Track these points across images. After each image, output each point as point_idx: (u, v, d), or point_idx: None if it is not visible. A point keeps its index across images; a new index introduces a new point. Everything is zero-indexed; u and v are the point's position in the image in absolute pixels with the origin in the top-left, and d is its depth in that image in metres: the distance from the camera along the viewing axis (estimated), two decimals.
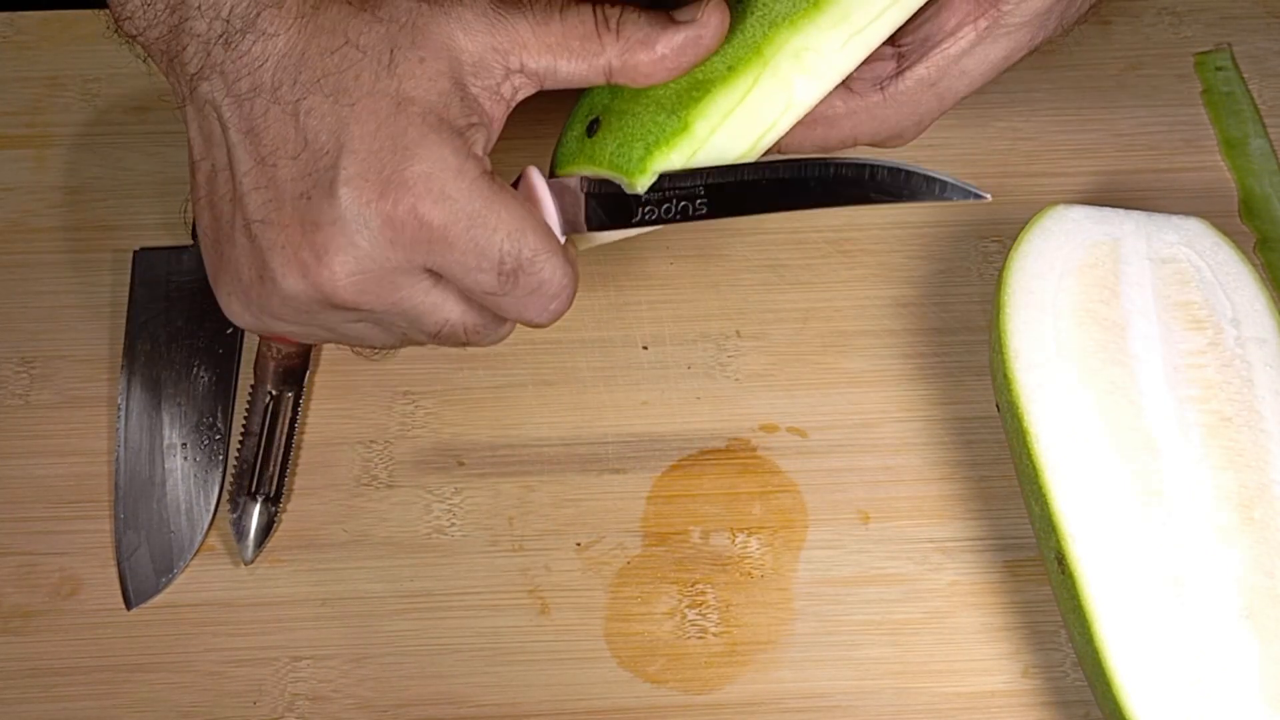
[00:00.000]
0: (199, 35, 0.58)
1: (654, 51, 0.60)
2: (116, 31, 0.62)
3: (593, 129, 0.62)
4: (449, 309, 0.60)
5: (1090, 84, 0.84)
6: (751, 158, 0.62)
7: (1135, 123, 0.83)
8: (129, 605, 0.71)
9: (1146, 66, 0.84)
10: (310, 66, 0.57)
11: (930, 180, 0.59)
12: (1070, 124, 0.82)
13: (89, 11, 0.87)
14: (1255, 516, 0.65)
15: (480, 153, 0.58)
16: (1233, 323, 0.70)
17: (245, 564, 0.71)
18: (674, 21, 0.60)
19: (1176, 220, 0.73)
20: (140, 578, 0.71)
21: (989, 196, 0.59)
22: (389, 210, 0.57)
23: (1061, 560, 0.65)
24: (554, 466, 0.74)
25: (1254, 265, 0.72)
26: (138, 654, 0.70)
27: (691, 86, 0.61)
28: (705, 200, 0.61)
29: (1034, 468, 0.66)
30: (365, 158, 0.57)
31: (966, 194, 0.59)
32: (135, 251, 0.78)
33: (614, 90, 0.62)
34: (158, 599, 0.71)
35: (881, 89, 0.65)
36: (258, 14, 0.58)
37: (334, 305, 0.59)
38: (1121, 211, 0.73)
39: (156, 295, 0.77)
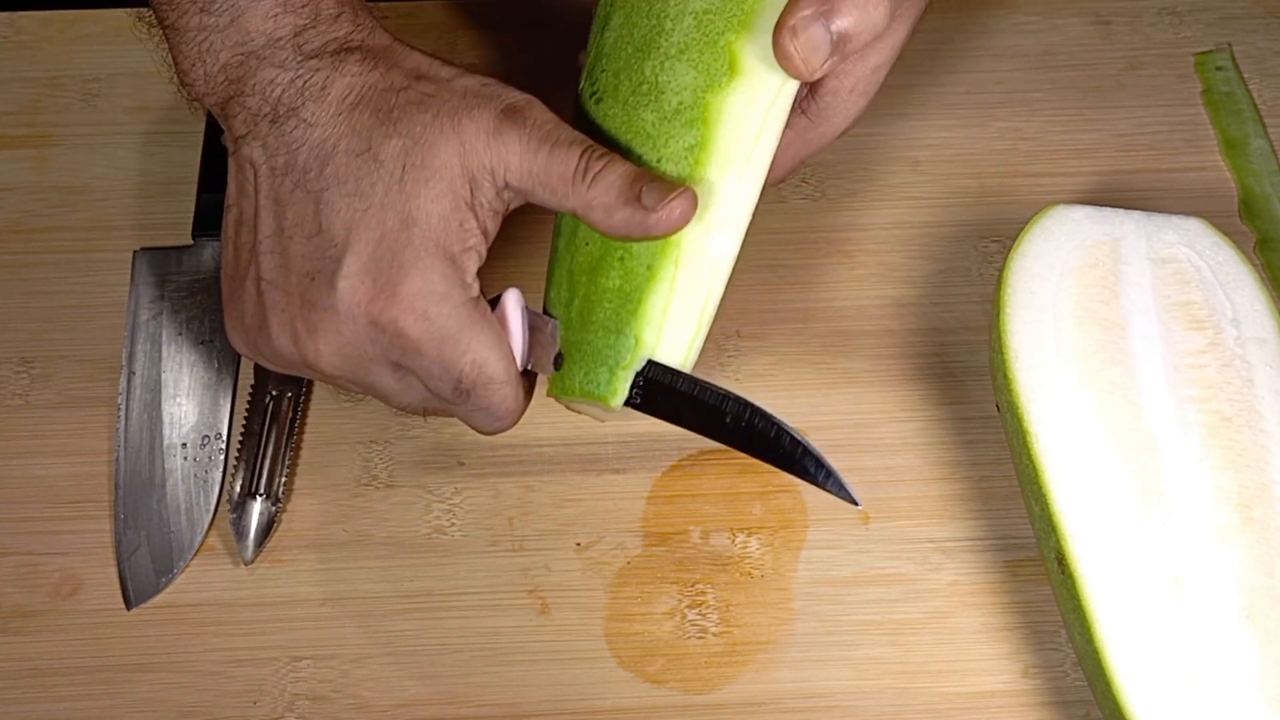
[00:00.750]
0: (250, 109, 0.65)
1: (611, 219, 0.63)
2: (179, 88, 0.68)
3: (558, 363, 0.67)
4: (412, 395, 0.66)
5: (1090, 84, 0.84)
6: (706, 326, 0.65)
7: (1135, 123, 0.83)
8: (129, 605, 0.71)
9: (1147, 66, 0.84)
10: (336, 163, 0.63)
11: (819, 465, 0.65)
12: (1070, 124, 0.82)
13: (89, 11, 0.87)
14: (1255, 516, 0.65)
15: (469, 278, 0.64)
16: (1233, 323, 0.70)
17: (245, 564, 0.71)
18: (638, 200, 0.63)
19: (1176, 220, 0.73)
20: (140, 578, 0.71)
21: (860, 504, 0.65)
22: (375, 314, 0.63)
23: (1061, 560, 0.65)
24: (554, 466, 0.73)
25: (1254, 265, 0.72)
26: (138, 654, 0.70)
27: (624, 300, 0.64)
28: (641, 391, 0.66)
29: (1034, 468, 0.66)
30: (366, 262, 0.63)
31: (843, 492, 0.64)
32: (135, 251, 0.78)
33: (565, 320, 0.66)
34: (158, 599, 0.71)
35: (804, 112, 0.69)
36: (303, 103, 0.64)
37: (314, 371, 0.66)
38: (1121, 211, 0.73)
39: (156, 295, 0.77)
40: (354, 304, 0.63)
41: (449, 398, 0.65)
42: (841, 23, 0.63)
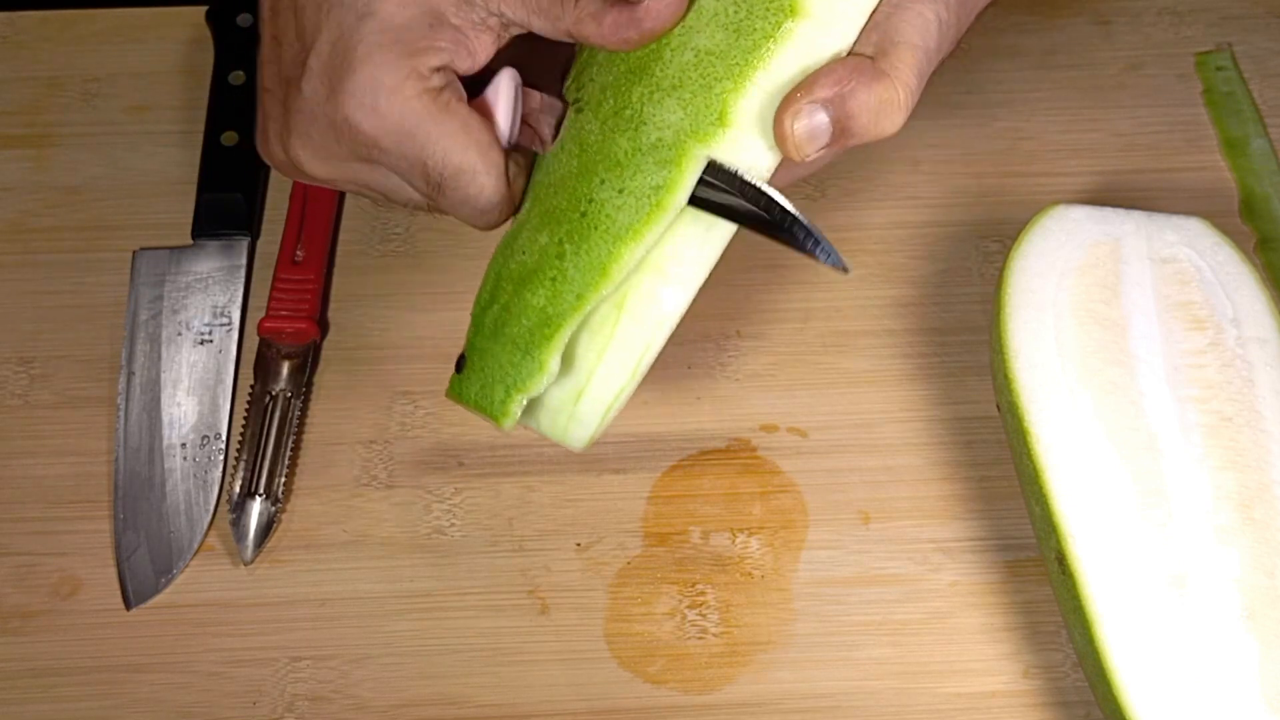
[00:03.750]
0: None
1: (602, 28, 0.61)
2: None
3: (460, 365, 0.63)
4: (408, 192, 0.64)
5: (1090, 84, 0.84)
6: (639, 377, 0.61)
7: (1136, 123, 0.83)
8: (129, 605, 0.71)
9: (1147, 66, 0.84)
10: None
11: (808, 234, 0.60)
12: (1070, 124, 0.82)
13: (89, 11, 0.87)
14: (1255, 516, 0.65)
15: (426, 71, 0.61)
16: (1233, 323, 0.70)
17: (245, 564, 0.71)
18: (626, 1, 0.61)
19: (1177, 220, 0.73)
20: (140, 578, 0.71)
21: (849, 270, 0.61)
22: (330, 113, 0.62)
23: (1062, 560, 0.65)
24: (554, 466, 0.73)
25: (1254, 265, 0.72)
26: (137, 654, 0.70)
27: (543, 322, 0.60)
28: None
29: (1034, 468, 0.66)
30: (325, 61, 0.62)
31: (831, 258, 0.60)
32: (135, 251, 0.78)
33: (477, 322, 0.63)
34: (157, 599, 0.71)
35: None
36: None
37: (309, 177, 0.65)
38: (1122, 211, 0.73)
39: (156, 295, 0.77)
40: (315, 104, 0.62)
41: (426, 193, 0.63)
42: (849, 119, 0.60)
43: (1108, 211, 0.73)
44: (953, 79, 0.84)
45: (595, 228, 0.60)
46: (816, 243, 0.60)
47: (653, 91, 0.60)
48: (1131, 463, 0.66)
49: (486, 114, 0.62)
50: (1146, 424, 0.67)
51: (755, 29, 0.59)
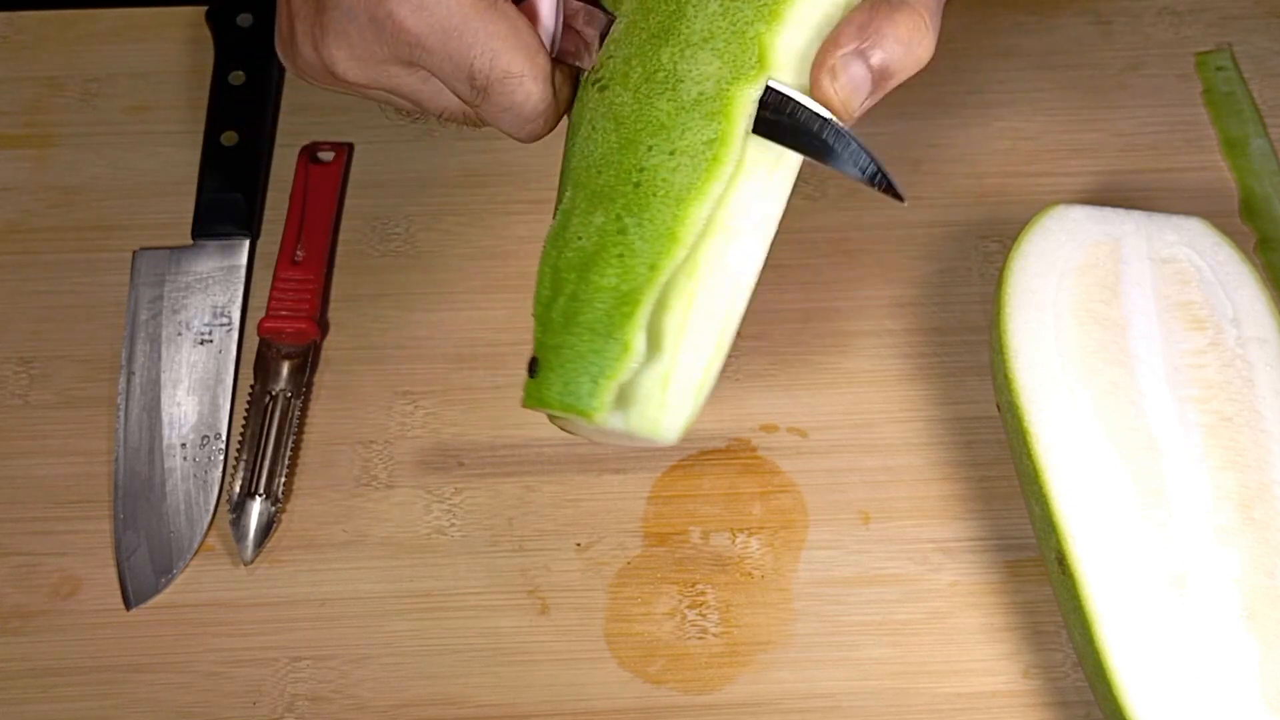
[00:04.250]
0: None
1: None
2: None
3: (533, 369, 0.60)
4: (445, 99, 0.63)
5: (1090, 84, 0.84)
6: (725, 348, 0.59)
7: (1135, 123, 0.83)
8: (128, 605, 0.71)
9: (1147, 66, 0.84)
10: None
11: (869, 159, 0.58)
12: (1070, 124, 0.82)
13: (89, 11, 0.87)
14: (1255, 516, 0.65)
15: None
16: (1233, 323, 0.70)
17: (245, 564, 0.71)
18: None
19: (1177, 220, 0.73)
20: (140, 578, 0.71)
21: (905, 201, 0.59)
22: (373, 8, 0.60)
23: (1062, 560, 0.65)
24: (554, 466, 0.73)
25: (1254, 265, 0.72)
26: (137, 654, 0.70)
27: (619, 301, 0.58)
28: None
29: (1034, 468, 0.66)
30: None
31: (891, 191, 0.58)
32: (135, 251, 0.78)
33: (544, 320, 0.60)
34: (157, 599, 0.71)
35: None
36: None
37: (340, 81, 0.63)
38: (1122, 211, 0.73)
39: (156, 295, 0.77)
40: (354, 2, 0.60)
41: (470, 99, 0.61)
42: (883, 58, 0.58)
43: (1108, 211, 0.73)
44: (953, 79, 0.84)
45: (654, 194, 0.58)
46: (876, 168, 0.58)
47: (683, 49, 0.59)
48: (1131, 463, 0.66)
49: (532, 18, 0.61)
50: (1146, 424, 0.67)
51: None
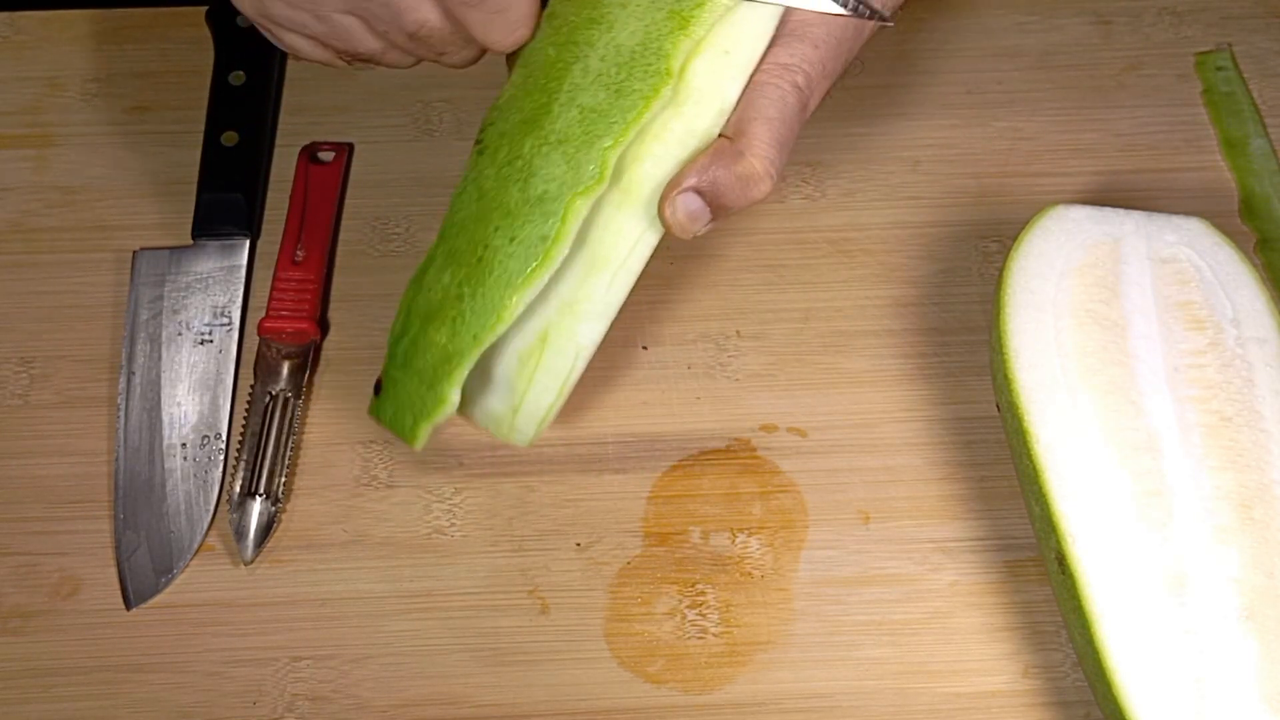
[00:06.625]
0: None
1: None
2: None
3: (378, 389, 0.67)
4: (426, 10, 0.64)
5: (1090, 84, 0.84)
6: (565, 396, 0.65)
7: (1135, 123, 0.83)
8: (129, 605, 0.71)
9: (1147, 66, 0.84)
10: None
11: None
12: (1070, 124, 0.82)
13: (89, 11, 0.87)
14: (1255, 516, 0.65)
15: None
16: (1233, 323, 0.70)
17: (245, 564, 0.71)
18: None
19: (1177, 220, 0.73)
20: (140, 578, 0.71)
21: (891, 22, 0.63)
22: None
23: (1061, 560, 0.65)
24: (554, 466, 0.73)
25: (1254, 265, 0.72)
26: (137, 654, 0.70)
27: (444, 360, 0.63)
28: None
29: (1034, 468, 0.66)
30: None
31: (877, 15, 0.63)
32: (135, 251, 0.78)
33: (391, 351, 0.66)
34: (157, 599, 0.71)
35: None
36: None
37: (272, 25, 0.64)
38: (1121, 211, 0.73)
39: (156, 295, 0.77)
40: None
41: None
42: (720, 199, 0.63)
43: (1108, 211, 0.73)
44: (953, 79, 0.84)
45: (490, 273, 0.63)
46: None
47: (541, 144, 0.63)
48: (1131, 463, 0.66)
49: None
50: (1146, 424, 0.67)
51: (634, 90, 0.62)
